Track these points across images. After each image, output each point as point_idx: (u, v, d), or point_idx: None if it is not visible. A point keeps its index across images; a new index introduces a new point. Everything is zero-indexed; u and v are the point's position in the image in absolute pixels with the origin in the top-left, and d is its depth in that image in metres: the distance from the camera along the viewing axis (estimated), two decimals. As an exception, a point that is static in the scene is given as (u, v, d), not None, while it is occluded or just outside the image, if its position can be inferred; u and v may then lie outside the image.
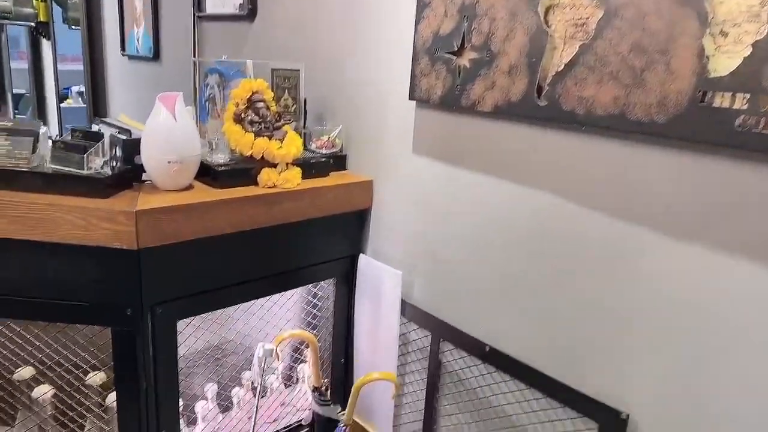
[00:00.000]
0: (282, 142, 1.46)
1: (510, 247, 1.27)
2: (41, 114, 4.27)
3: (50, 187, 1.22)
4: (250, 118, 1.46)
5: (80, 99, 4.23)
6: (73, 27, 3.64)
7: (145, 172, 1.34)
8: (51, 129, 4.04)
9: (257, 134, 1.44)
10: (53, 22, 3.52)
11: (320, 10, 1.71)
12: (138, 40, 2.71)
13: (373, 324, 1.63)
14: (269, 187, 1.41)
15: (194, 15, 2.24)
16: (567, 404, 1.19)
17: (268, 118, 1.48)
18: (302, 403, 1.76)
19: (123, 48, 2.83)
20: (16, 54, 4.74)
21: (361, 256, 1.64)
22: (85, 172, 1.22)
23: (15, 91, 4.80)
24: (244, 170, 1.42)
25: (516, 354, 1.28)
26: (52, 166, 1.25)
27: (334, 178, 1.57)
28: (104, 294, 1.24)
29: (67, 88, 4.92)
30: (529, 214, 1.22)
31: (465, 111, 1.31)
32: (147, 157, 1.30)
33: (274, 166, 1.44)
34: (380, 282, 1.59)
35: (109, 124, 1.49)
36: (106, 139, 1.26)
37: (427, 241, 1.47)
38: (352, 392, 1.42)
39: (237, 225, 1.34)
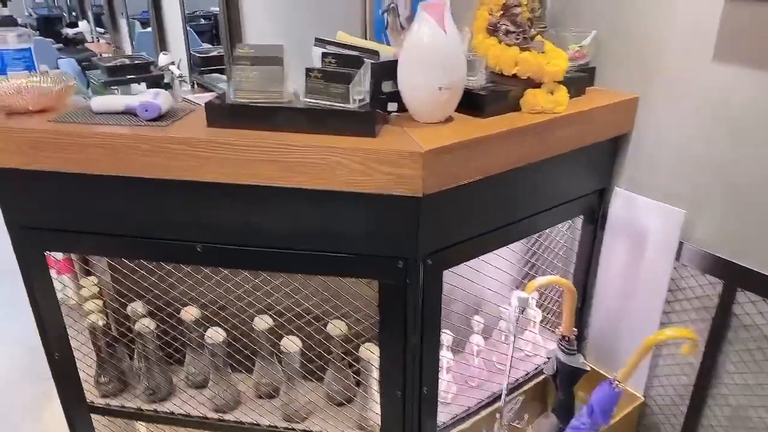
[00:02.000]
0: (541, 54, 1.20)
1: None
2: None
3: (312, 125, 1.04)
4: (505, 27, 1.20)
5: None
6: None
7: (393, 101, 1.14)
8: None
9: (512, 46, 1.19)
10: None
11: None
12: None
13: (629, 268, 1.41)
14: (536, 113, 1.18)
15: None
16: None
17: (526, 27, 1.21)
18: (531, 348, 1.62)
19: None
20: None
21: (616, 191, 1.40)
22: (351, 106, 1.03)
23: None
24: (503, 93, 1.18)
25: None
26: (309, 99, 1.06)
27: (593, 97, 1.31)
28: (373, 245, 1.08)
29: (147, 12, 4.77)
30: None
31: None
32: (409, 82, 1.08)
33: (537, 85, 1.19)
34: (643, 220, 1.35)
35: (328, 42, 1.28)
36: (367, 65, 1.05)
37: (725, 171, 1.20)
38: (639, 350, 1.23)
39: (512, 162, 1.13)
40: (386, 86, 1.15)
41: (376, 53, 1.16)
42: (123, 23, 5.00)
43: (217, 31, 3.76)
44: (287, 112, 1.04)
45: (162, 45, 4.17)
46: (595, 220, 1.45)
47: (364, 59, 1.05)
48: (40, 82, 1.17)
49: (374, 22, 2.01)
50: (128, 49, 4.92)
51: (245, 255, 1.13)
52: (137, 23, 4.85)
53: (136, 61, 3.80)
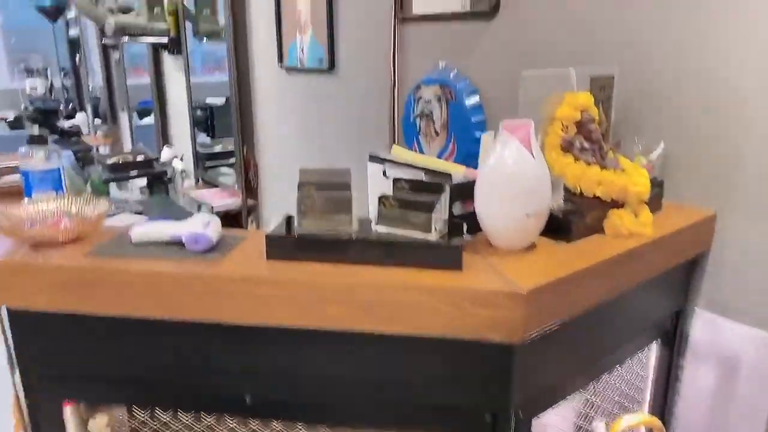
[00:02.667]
0: (622, 173, 1.11)
1: None
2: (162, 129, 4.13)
3: (389, 259, 0.91)
4: (580, 144, 1.12)
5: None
6: (206, 40, 3.44)
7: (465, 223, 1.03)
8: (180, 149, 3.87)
9: (591, 165, 1.10)
10: (185, 37, 3.32)
11: (614, -2, 1.35)
12: (302, 50, 2.43)
13: (718, 402, 1.27)
14: (622, 236, 1.07)
15: (395, 17, 1.92)
16: None
17: (601, 143, 1.13)
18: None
19: (281, 60, 2.57)
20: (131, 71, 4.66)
21: (697, 312, 1.28)
22: (432, 236, 0.91)
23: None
24: (586, 216, 1.08)
25: None
26: (382, 229, 0.95)
27: (669, 214, 1.21)
28: (457, 396, 0.93)
29: (148, 102, 4.76)
30: None
31: None
32: (492, 208, 0.98)
33: (620, 205, 1.10)
34: (733, 346, 1.22)
35: (386, 160, 1.19)
36: (447, 192, 0.95)
37: (829, 298, 1.09)
38: None
39: (604, 293, 1.01)
40: (457, 208, 1.04)
41: (447, 175, 1.07)
42: (123, 115, 4.99)
43: (213, 123, 3.73)
44: (360, 245, 0.92)
45: (164, 138, 4.12)
46: (673, 344, 1.32)
47: (443, 184, 0.95)
48: (71, 207, 1.04)
49: (404, 127, 1.95)
50: (127, 142, 4.88)
51: (303, 407, 0.96)
52: (134, 114, 4.84)
53: (139, 157, 3.73)
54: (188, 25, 3.36)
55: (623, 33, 1.34)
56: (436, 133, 1.81)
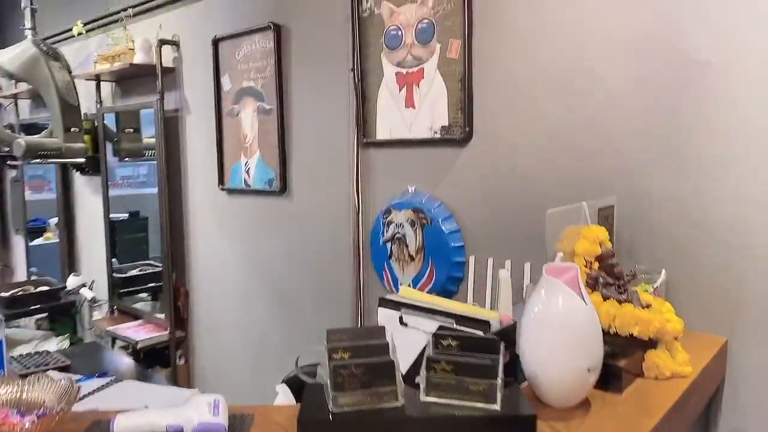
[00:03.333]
0: (651, 309, 1.07)
1: None
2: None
3: (449, 438, 0.77)
4: (604, 280, 1.08)
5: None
6: (126, 160, 3.23)
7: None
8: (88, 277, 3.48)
9: (623, 303, 1.05)
10: (104, 156, 3.10)
11: (597, 113, 1.39)
12: (248, 172, 2.31)
13: None
14: (663, 378, 1.00)
15: (357, 142, 1.88)
16: None
17: (624, 278, 1.09)
18: None
19: (221, 181, 2.43)
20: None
21: (723, 446, 1.22)
22: (497, 406, 0.79)
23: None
24: (629, 360, 1.01)
25: None
26: (432, 399, 0.80)
27: (687, 346, 1.17)
28: None
29: (39, 220, 4.33)
30: None
31: None
32: (545, 360, 0.87)
33: (653, 344, 1.04)
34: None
35: (404, 305, 1.06)
36: (502, 350, 0.84)
37: None
38: None
39: (668, 448, 0.91)
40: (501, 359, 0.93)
41: (485, 323, 0.96)
42: (17, 238, 4.48)
43: (115, 240, 3.41)
44: (413, 424, 0.77)
45: (71, 263, 3.70)
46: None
47: (498, 341, 0.84)
48: (21, 393, 0.81)
49: (372, 251, 1.85)
50: (21, 267, 4.34)
51: None
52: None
53: (42, 288, 3.30)
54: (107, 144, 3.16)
55: (616, 160, 1.37)
56: (411, 258, 1.73)
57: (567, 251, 1.10)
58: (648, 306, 1.07)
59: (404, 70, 1.73)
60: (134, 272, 3.39)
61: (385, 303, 1.08)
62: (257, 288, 2.37)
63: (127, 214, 3.41)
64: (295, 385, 1.50)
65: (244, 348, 2.48)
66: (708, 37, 1.22)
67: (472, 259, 1.62)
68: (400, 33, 1.73)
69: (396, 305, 1.07)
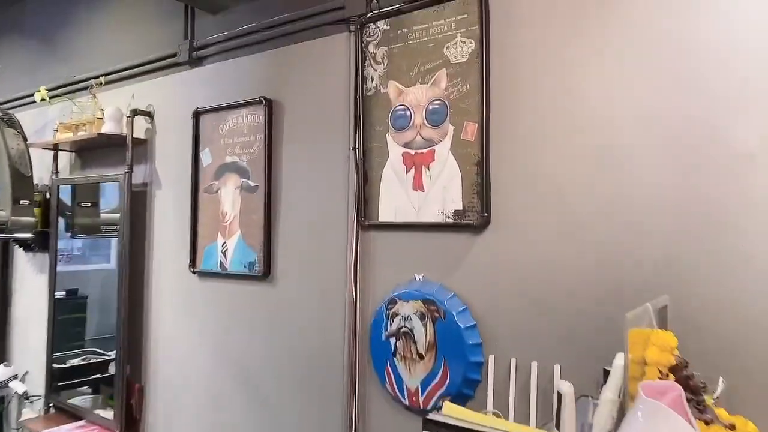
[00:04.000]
0: (732, 430, 0.93)
1: None
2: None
3: None
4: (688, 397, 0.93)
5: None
6: (80, 236, 2.95)
7: None
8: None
9: (710, 425, 0.91)
10: (56, 232, 2.81)
11: (617, 202, 1.30)
12: (224, 253, 2.11)
13: None
14: None
15: (357, 224, 1.73)
16: None
17: (701, 393, 0.96)
18: None
19: (192, 263, 2.20)
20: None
21: None
22: None
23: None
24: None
25: None
26: None
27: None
28: None
29: None
30: None
31: None
32: None
33: (743, 470, 0.89)
34: None
35: (448, 427, 0.88)
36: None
37: None
38: None
39: None
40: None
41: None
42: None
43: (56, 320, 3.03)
44: None
45: (1, 352, 3.27)
46: None
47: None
48: None
49: (372, 348, 1.66)
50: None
51: None
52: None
53: (-36, 380, 2.86)
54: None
55: (654, 252, 1.26)
56: (420, 356, 1.54)
57: (635, 360, 0.97)
58: (732, 427, 0.93)
59: (413, 151, 1.63)
60: (75, 362, 3.02)
61: (430, 426, 0.90)
62: (230, 387, 2.09)
63: (63, 293, 3.07)
64: None
65: (208, 455, 2.16)
66: (753, 129, 1.17)
67: (491, 359, 1.46)
68: (408, 113, 1.64)
69: (444, 429, 0.88)
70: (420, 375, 1.55)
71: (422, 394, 1.54)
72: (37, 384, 2.97)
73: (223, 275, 2.12)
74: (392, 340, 1.61)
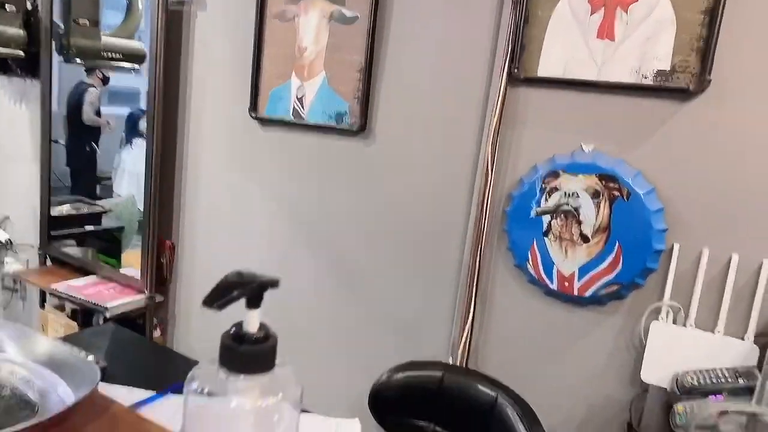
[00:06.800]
0: None
1: None
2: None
3: None
4: None
5: None
6: (77, 60, 2.41)
7: None
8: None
9: None
10: (50, 55, 2.26)
11: None
12: (301, 99, 1.73)
13: None
14: None
15: (505, 74, 1.41)
16: None
17: None
18: None
19: (254, 107, 1.81)
20: None
21: None
22: None
23: None
24: None
25: None
26: None
27: None
28: None
29: None
30: None
31: None
32: None
33: None
34: None
35: None
36: None
37: None
38: None
39: None
40: None
41: None
42: None
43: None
44: None
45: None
46: None
47: None
48: None
49: (510, 224, 1.41)
50: None
51: None
52: None
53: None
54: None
55: None
56: (584, 239, 1.33)
57: None
58: None
59: (606, -13, 1.29)
60: (64, 210, 2.64)
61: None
62: (297, 257, 1.82)
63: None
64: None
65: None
66: None
67: (676, 248, 1.27)
68: (608, -67, 1.27)
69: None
70: (580, 259, 1.34)
71: (578, 280, 1.35)
72: (22, 233, 2.58)
73: (299, 126, 1.76)
74: (545, 219, 1.37)
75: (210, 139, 1.97)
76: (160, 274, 2.12)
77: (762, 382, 1.07)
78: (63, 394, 0.57)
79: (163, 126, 1.98)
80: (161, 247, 2.10)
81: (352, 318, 1.74)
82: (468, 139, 1.49)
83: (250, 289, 0.36)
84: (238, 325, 0.38)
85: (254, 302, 0.37)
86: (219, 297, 0.36)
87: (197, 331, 2.13)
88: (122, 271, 2.26)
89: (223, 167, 1.95)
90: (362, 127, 1.64)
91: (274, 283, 0.37)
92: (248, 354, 0.36)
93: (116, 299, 2.06)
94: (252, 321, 0.37)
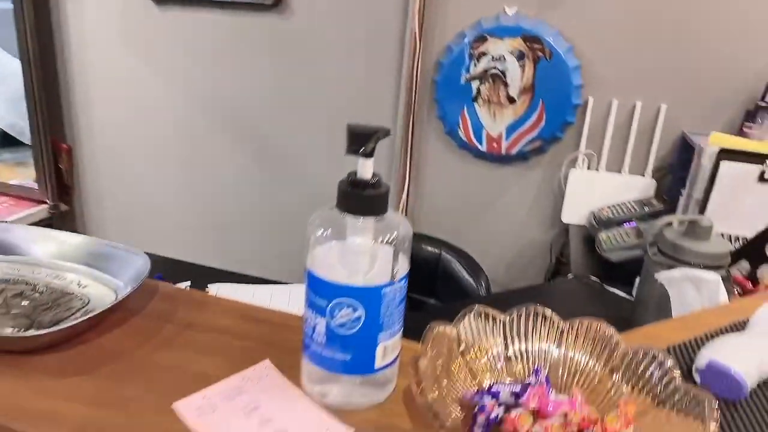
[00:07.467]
0: None
1: None
2: None
3: None
4: None
5: None
6: None
7: None
8: None
9: None
10: None
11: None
12: (201, -29, 1.56)
13: None
14: None
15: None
16: None
17: None
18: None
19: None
20: None
21: None
22: None
23: None
24: None
25: None
26: None
27: None
28: None
29: None
30: None
31: None
32: None
33: None
34: None
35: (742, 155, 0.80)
36: None
37: None
38: None
39: None
40: None
41: None
42: None
43: None
44: None
45: None
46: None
47: None
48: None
49: (439, 92, 1.47)
50: None
51: None
52: None
53: None
54: None
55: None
56: (511, 100, 1.43)
57: None
58: None
59: None
60: None
61: (729, 156, 0.84)
62: (215, 149, 1.76)
63: None
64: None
65: (181, 212, 1.89)
66: None
67: (590, 101, 1.41)
68: None
69: (751, 158, 0.83)
70: (507, 120, 1.45)
71: (506, 140, 1.47)
72: None
73: (202, 2, 1.61)
74: (474, 84, 1.44)
75: (96, 21, 1.75)
76: (61, 182, 1.95)
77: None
78: (110, 284, 0.56)
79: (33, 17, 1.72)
80: (57, 151, 1.91)
81: (284, 204, 1.75)
82: (392, 11, 1.48)
83: (384, 132, 0.39)
84: (353, 174, 0.41)
85: (369, 152, 0.40)
86: (364, 143, 0.38)
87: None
88: (11, 182, 2.04)
89: (116, 54, 1.76)
90: (277, 1, 1.55)
91: (388, 132, 0.40)
92: (367, 197, 0.40)
93: (14, 213, 1.88)
94: (367, 169, 0.40)
